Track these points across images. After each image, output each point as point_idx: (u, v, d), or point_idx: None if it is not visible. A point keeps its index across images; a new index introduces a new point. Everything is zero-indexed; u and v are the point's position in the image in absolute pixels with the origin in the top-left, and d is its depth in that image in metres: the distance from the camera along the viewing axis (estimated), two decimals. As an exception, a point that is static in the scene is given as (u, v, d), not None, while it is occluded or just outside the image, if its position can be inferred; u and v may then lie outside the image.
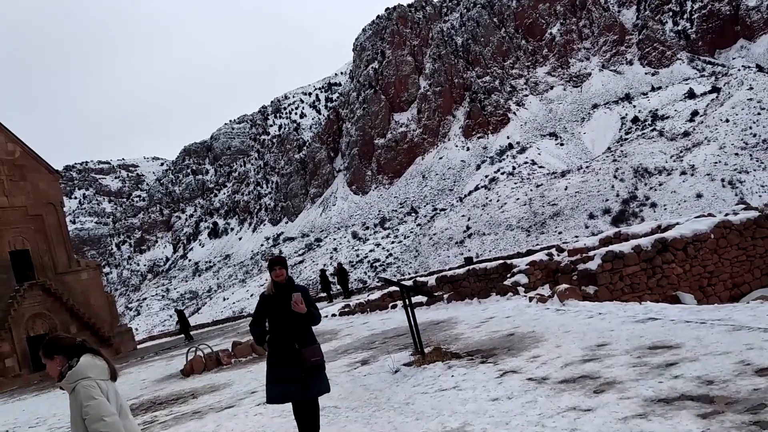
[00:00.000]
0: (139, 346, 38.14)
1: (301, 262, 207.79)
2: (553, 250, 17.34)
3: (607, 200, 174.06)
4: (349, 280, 31.19)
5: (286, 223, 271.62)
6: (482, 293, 12.73)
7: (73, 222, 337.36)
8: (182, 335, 30.22)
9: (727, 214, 14.49)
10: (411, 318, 8.55)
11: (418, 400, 6.42)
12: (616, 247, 12.40)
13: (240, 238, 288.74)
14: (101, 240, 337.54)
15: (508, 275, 15.98)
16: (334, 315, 19.19)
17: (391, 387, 7.41)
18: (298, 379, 5.37)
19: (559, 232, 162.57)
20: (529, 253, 20.77)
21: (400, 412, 6.12)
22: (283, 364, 5.41)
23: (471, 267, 17.50)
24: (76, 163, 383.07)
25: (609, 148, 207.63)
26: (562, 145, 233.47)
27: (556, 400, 5.12)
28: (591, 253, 12.48)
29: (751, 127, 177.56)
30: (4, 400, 20.85)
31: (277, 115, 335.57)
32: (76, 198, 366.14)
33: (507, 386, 5.98)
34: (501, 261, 17.32)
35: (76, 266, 32.51)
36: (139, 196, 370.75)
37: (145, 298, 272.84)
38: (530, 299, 11.08)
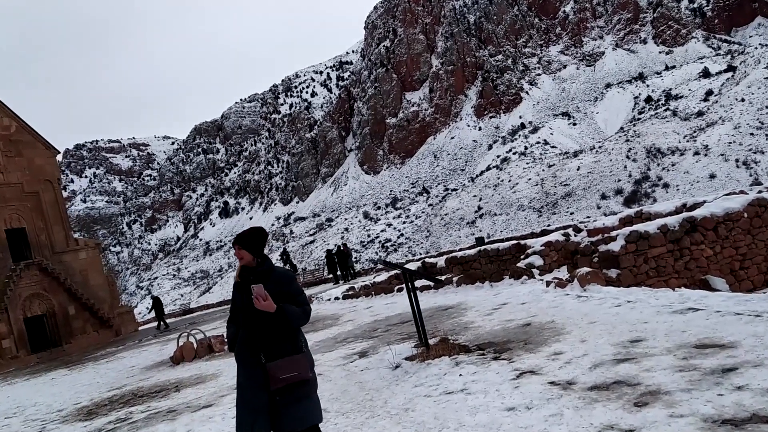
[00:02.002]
0: (145, 327, 37.61)
1: (312, 242, 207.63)
2: (570, 230, 16.30)
3: (619, 180, 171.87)
4: (351, 261, 30.25)
5: (297, 202, 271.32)
6: (494, 276, 11.74)
7: (84, 201, 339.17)
8: (158, 323, 29.55)
9: (760, 191, 13.35)
10: (414, 305, 7.57)
11: (419, 405, 5.46)
12: (640, 227, 11.33)
13: (251, 218, 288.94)
14: (112, 219, 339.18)
15: (522, 257, 14.98)
16: (337, 298, 18.30)
17: (390, 386, 6.46)
18: (264, 407, 3.82)
19: (571, 213, 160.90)
20: (544, 233, 19.71)
21: (397, 421, 5.16)
22: (246, 385, 3.94)
23: (482, 248, 16.48)
24: (86, 142, 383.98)
25: (622, 128, 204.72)
26: (574, 124, 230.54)
27: (588, 415, 4.13)
28: (613, 233, 11.42)
29: (767, 107, 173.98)
30: (-3, 384, 20.24)
31: (288, 94, 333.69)
32: (86, 177, 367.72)
33: (525, 391, 4.99)
34: (514, 241, 16.27)
35: (74, 245, 31.77)
36: (150, 175, 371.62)
37: (156, 278, 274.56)
38: (547, 284, 10.07)
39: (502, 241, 18.47)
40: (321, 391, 7.13)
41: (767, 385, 3.89)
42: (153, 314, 31.42)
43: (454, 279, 12.89)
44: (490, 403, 4.95)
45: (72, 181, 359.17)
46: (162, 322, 28.83)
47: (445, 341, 7.57)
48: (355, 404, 6.09)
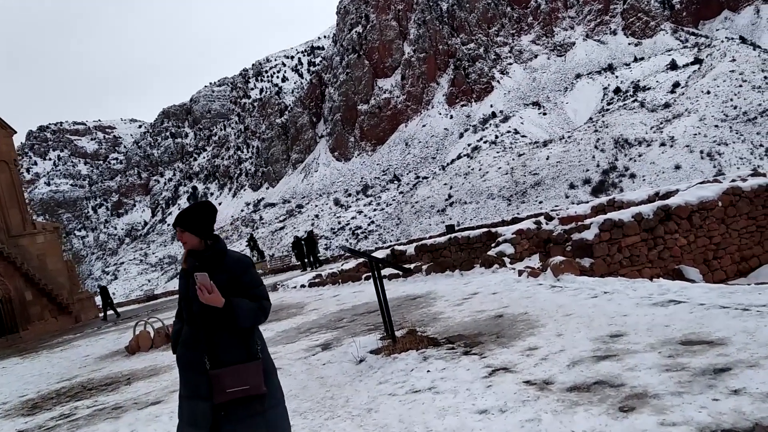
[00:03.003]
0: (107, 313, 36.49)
1: (281, 228, 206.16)
2: (542, 218, 16.03)
3: (587, 170, 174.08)
4: (317, 249, 29.67)
5: (267, 188, 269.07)
6: (465, 265, 11.35)
7: (48, 184, 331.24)
8: (104, 313, 28.75)
9: (733, 180, 13.19)
10: (381, 296, 7.11)
11: (383, 405, 5.00)
12: (614, 215, 11.03)
13: (220, 203, 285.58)
14: (77, 203, 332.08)
15: (493, 245, 14.65)
16: (303, 286, 17.78)
17: (353, 382, 5.99)
18: (205, 424, 3.13)
19: (540, 202, 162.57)
20: (515, 221, 19.44)
21: (359, 424, 4.69)
22: (186, 395, 3.25)
23: (453, 235, 16.12)
24: (50, 124, 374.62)
25: (591, 119, 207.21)
26: (544, 114, 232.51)
27: (568, 421, 3.72)
28: (587, 222, 11.11)
29: (731, 99, 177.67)
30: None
31: (259, 78, 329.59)
32: (50, 159, 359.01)
33: (498, 392, 4.57)
34: (485, 229, 15.95)
35: (31, 229, 30.55)
36: (117, 158, 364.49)
37: (122, 263, 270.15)
38: (519, 273, 9.70)
39: (472, 228, 18.13)
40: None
41: (767, 389, 3.51)
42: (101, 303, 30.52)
43: (424, 267, 12.48)
44: (460, 405, 4.52)
45: (35, 163, 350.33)
46: (110, 311, 28.17)
47: (413, 333, 7.13)
48: (315, 402, 5.61)
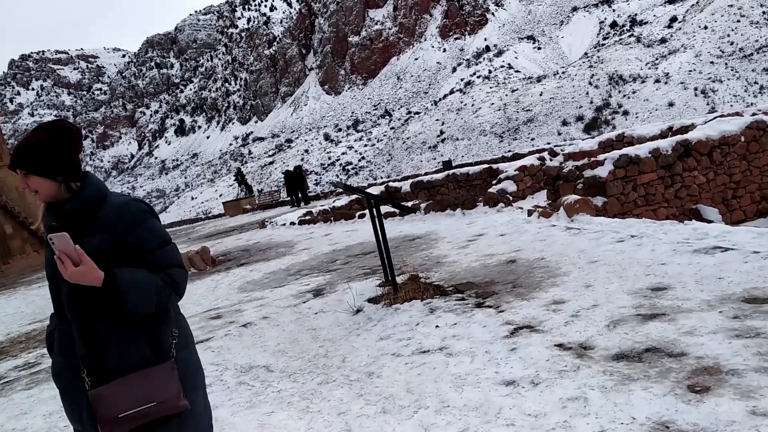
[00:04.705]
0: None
1: (271, 163, 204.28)
2: (545, 154, 15.17)
3: (580, 107, 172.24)
4: (306, 185, 28.70)
5: (256, 122, 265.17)
6: (467, 203, 10.54)
7: (32, 115, 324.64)
8: None
9: (754, 114, 12.30)
10: (381, 238, 6.30)
11: (386, 367, 4.26)
12: (631, 150, 10.18)
13: (208, 137, 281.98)
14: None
15: (494, 182, 13.83)
16: (293, 223, 16.95)
17: (350, 337, 5.25)
18: None
19: (532, 139, 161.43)
20: (516, 157, 18.55)
21: (358, 392, 3.95)
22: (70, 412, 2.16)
23: (451, 172, 15.25)
24: (32, 53, 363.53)
25: (586, 54, 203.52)
26: (539, 49, 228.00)
27: (624, 401, 2.97)
28: (600, 158, 10.26)
29: (728, 35, 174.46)
30: None
31: (246, 7, 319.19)
32: (33, 89, 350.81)
33: (526, 357, 3.82)
34: (485, 165, 15.09)
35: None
36: (101, 89, 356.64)
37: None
38: (529, 212, 8.91)
39: (471, 165, 17.26)
40: (267, 339, 5.96)
41: None
42: None
43: (422, 205, 11.67)
44: (480, 373, 3.77)
45: (18, 93, 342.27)
46: None
47: (416, 280, 6.37)
48: (306, 361, 4.87)
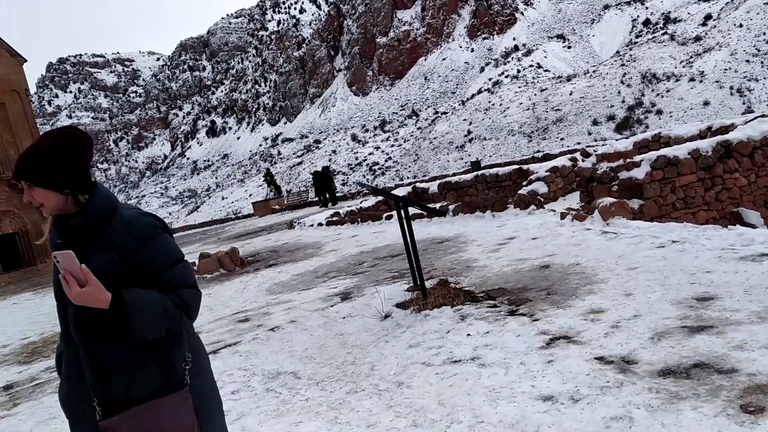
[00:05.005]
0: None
1: (299, 163, 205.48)
2: (578, 155, 14.85)
3: (612, 106, 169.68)
4: (333, 186, 28.66)
5: (285, 123, 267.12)
6: (497, 205, 10.34)
7: (70, 117, 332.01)
8: None
9: (798, 115, 11.85)
10: (409, 242, 6.15)
11: (416, 377, 4.11)
12: (668, 151, 9.86)
13: (238, 138, 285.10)
14: (98, 136, 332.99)
15: (524, 183, 13.58)
16: (321, 224, 16.90)
17: (378, 343, 5.11)
18: None
19: (561, 139, 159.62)
20: (547, 158, 18.23)
21: (388, 402, 3.81)
22: None
23: (480, 173, 15.03)
24: (69, 56, 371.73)
25: (618, 52, 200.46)
26: (569, 48, 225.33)
27: (672, 422, 2.78)
28: (636, 159, 9.96)
29: (765, 33, 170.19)
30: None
31: (276, 10, 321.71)
32: (71, 92, 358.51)
33: (564, 370, 3.64)
34: (515, 166, 14.84)
35: (44, 161, 29.88)
36: (136, 91, 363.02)
37: (144, 196, 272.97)
38: (562, 215, 8.67)
39: (500, 165, 17.00)
40: (294, 344, 5.86)
41: None
42: None
43: (451, 207, 11.49)
44: (515, 386, 3.60)
45: (56, 96, 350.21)
46: None
47: (445, 285, 6.21)
48: (334, 368, 4.75)
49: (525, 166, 14.67)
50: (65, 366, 2.00)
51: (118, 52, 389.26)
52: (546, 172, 13.46)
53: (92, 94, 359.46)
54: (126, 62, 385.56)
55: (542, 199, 11.86)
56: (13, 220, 28.05)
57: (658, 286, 4.81)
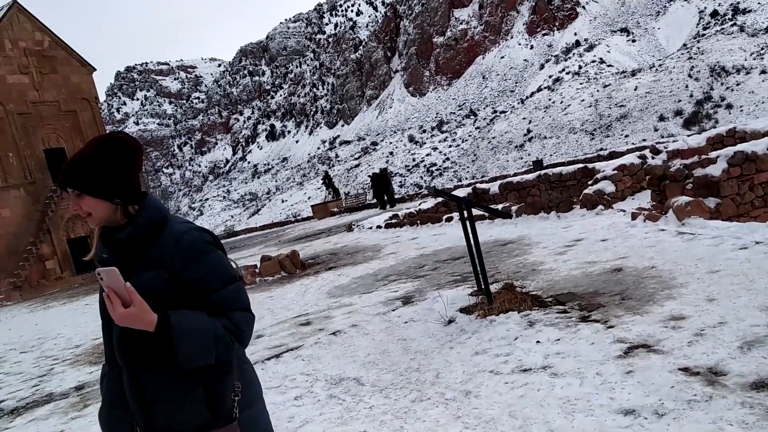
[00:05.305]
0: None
1: (356, 166, 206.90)
2: (647, 152, 14.27)
3: (679, 101, 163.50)
4: (391, 188, 28.58)
5: (342, 126, 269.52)
6: (562, 205, 10.00)
7: (137, 123, 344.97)
8: None
9: None
10: (473, 244, 5.98)
11: (484, 386, 3.94)
12: (746, 147, 9.31)
13: (297, 141, 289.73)
14: (164, 141, 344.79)
15: (590, 182, 13.13)
16: (379, 227, 16.85)
17: (442, 349, 4.97)
18: None
19: (626, 136, 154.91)
20: (613, 155, 17.62)
21: (455, 413, 3.66)
22: None
23: (542, 172, 14.64)
24: (136, 64, 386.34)
25: (684, 45, 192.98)
26: (633, 41, 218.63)
27: (775, 444, 2.53)
28: (712, 155, 9.44)
29: None
30: (32, 307, 19.93)
31: (333, 13, 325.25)
32: (137, 99, 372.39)
33: (645, 381, 3.40)
34: (580, 165, 14.39)
35: (114, 166, 31.11)
36: (198, 97, 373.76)
37: (207, 199, 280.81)
38: (633, 215, 8.29)
39: (563, 164, 16.53)
40: (356, 349, 5.77)
41: None
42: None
43: (513, 208, 11.21)
44: (591, 397, 3.39)
45: (124, 103, 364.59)
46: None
47: (511, 289, 6.01)
48: (397, 375, 4.63)
49: (590, 165, 14.20)
50: (107, 390, 1.87)
51: (181, 60, 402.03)
52: (613, 170, 12.99)
53: (157, 101, 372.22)
54: (189, 69, 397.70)
55: (609, 199, 11.43)
56: (84, 224, 29.22)
57: (743, 291, 4.48)
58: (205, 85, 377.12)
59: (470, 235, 6.02)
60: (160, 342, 1.69)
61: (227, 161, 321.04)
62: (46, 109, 28.71)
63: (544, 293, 5.80)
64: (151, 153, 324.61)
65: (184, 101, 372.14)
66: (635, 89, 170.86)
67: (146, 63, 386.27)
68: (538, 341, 4.48)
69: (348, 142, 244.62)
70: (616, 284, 5.54)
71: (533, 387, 3.73)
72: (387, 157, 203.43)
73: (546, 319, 4.92)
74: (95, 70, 31.89)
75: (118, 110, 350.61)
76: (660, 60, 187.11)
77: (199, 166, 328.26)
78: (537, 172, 15.30)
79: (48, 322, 13.97)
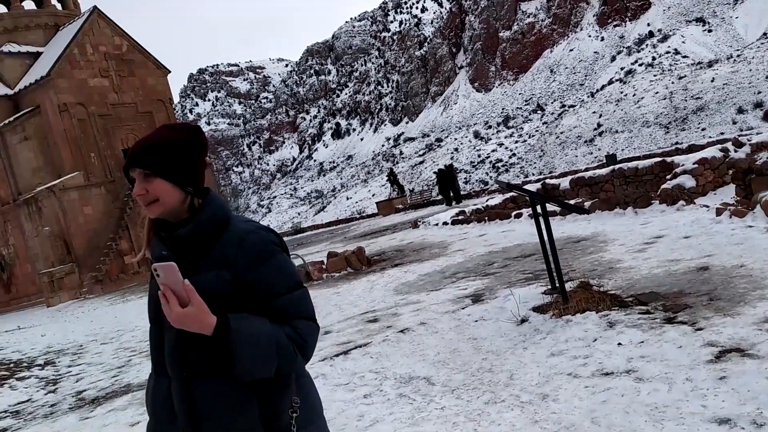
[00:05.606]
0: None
1: (421, 163, 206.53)
2: (729, 145, 13.50)
3: (759, 92, 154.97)
4: (457, 184, 28.29)
5: (407, 123, 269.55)
6: (639, 201, 9.56)
7: (208, 123, 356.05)
8: None
9: None
10: (546, 242, 5.76)
11: (562, 390, 3.76)
12: None
13: (361, 139, 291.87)
14: (233, 140, 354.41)
15: (668, 177, 12.52)
16: (446, 223, 16.65)
17: (516, 350, 4.79)
18: None
19: (703, 129, 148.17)
20: (692, 149, 16.79)
21: (532, 416, 3.50)
22: None
23: (617, 167, 14.09)
24: (208, 66, 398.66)
25: (765, 34, 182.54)
26: (710, 31, 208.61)
27: None
28: (805, 147, 8.81)
29: None
30: (112, 300, 20.80)
31: (398, 10, 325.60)
32: (209, 100, 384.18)
33: (740, 389, 3.14)
34: (657, 159, 13.76)
35: (187, 165, 32.18)
36: (267, 97, 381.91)
37: (275, 197, 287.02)
38: (718, 211, 7.83)
39: (639, 158, 15.87)
40: (425, 347, 5.65)
41: None
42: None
43: (586, 204, 10.81)
44: (681, 405, 3.16)
45: (197, 104, 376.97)
46: None
47: (587, 288, 5.74)
48: (469, 375, 4.49)
49: (668, 159, 13.55)
50: (152, 402, 1.70)
51: (250, 61, 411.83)
52: (693, 164, 12.32)
53: (227, 102, 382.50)
54: (258, 70, 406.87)
55: (689, 194, 10.87)
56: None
57: None
58: (273, 85, 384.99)
59: (544, 232, 5.81)
60: (218, 349, 1.53)
61: (294, 159, 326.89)
62: (124, 110, 29.95)
63: (623, 293, 5.53)
64: (222, 152, 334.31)
65: (253, 101, 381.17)
66: (712, 81, 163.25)
67: (217, 65, 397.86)
68: (619, 343, 4.24)
69: (412, 139, 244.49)
70: (703, 284, 5.21)
71: (616, 392, 3.52)
72: (451, 153, 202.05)
73: (627, 320, 4.66)
74: (170, 72, 33.01)
75: (190, 111, 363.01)
76: (738, 50, 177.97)
77: (267, 164, 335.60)
78: (610, 167, 14.74)
79: (126, 315, 14.51)
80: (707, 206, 8.70)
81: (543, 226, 5.80)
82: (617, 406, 3.34)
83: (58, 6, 33.93)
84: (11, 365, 9.96)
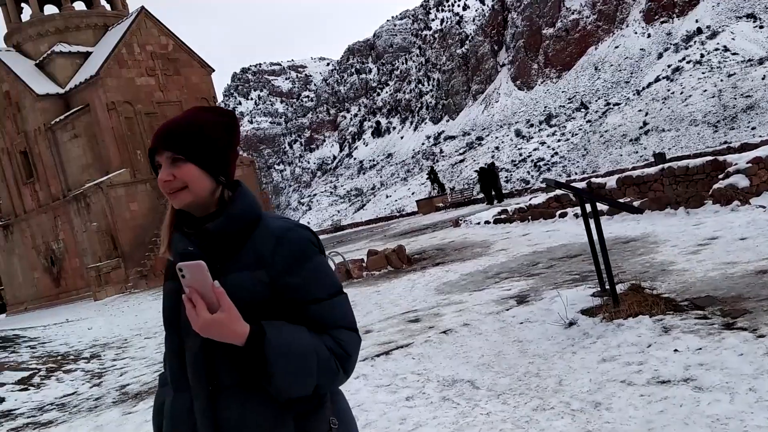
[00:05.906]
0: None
1: (461, 161, 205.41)
2: (787, 144, 12.93)
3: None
4: (499, 183, 27.93)
5: (447, 121, 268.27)
6: (692, 201, 9.21)
7: (251, 122, 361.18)
8: None
9: None
10: (596, 242, 5.56)
11: (616, 398, 3.59)
12: None
13: (401, 137, 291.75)
14: (275, 139, 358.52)
15: (720, 176, 12.05)
16: (488, 222, 16.41)
17: (564, 354, 4.62)
18: None
19: (753, 128, 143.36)
20: (745, 148, 16.18)
21: (583, 426, 3.34)
22: None
23: (666, 165, 13.65)
24: (251, 66, 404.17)
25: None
26: (761, 27, 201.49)
27: None
28: None
29: None
30: (156, 295, 21.16)
31: (439, 8, 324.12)
32: (251, 99, 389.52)
33: (814, 404, 2.93)
34: (709, 158, 13.28)
35: (230, 163, 32.62)
36: (308, 96, 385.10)
37: (315, 194, 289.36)
38: (777, 213, 7.47)
39: (689, 157, 15.37)
40: (469, 349, 5.52)
41: None
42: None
43: (635, 203, 10.48)
44: (746, 417, 2.97)
45: (240, 103, 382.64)
46: None
47: (639, 290, 5.52)
48: (515, 379, 4.35)
49: (720, 158, 13.06)
50: (170, 420, 1.49)
51: (292, 60, 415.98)
52: (747, 163, 11.82)
53: (269, 100, 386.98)
54: (299, 68, 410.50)
55: (743, 194, 10.44)
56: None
57: None
58: (314, 84, 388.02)
59: (593, 231, 5.60)
60: (250, 361, 1.34)
61: (334, 158, 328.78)
62: (169, 108, 30.48)
63: (678, 296, 5.29)
64: (264, 150, 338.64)
65: (295, 100, 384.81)
66: (763, 78, 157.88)
67: (260, 64, 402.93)
68: (676, 350, 4.04)
69: (453, 138, 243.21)
70: (763, 288, 4.94)
71: (674, 402, 3.33)
72: (492, 152, 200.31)
73: (683, 325, 4.45)
74: (213, 71, 33.48)
75: (234, 110, 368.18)
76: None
77: (308, 162, 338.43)
78: (660, 166, 14.29)
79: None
80: (763, 207, 8.32)
81: (592, 226, 5.60)
82: (675, 416, 3.16)
83: (107, 6, 34.76)
84: (59, 357, 10.19)
